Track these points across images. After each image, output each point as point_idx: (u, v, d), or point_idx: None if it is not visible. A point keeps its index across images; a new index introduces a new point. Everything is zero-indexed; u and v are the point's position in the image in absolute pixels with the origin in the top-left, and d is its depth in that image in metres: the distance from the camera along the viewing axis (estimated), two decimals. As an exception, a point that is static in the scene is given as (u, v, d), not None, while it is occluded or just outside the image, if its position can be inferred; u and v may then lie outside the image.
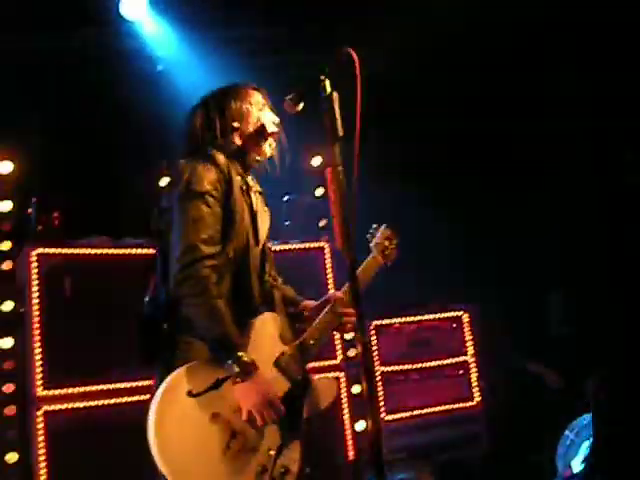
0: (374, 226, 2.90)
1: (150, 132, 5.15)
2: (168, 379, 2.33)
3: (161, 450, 2.22)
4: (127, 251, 4.15)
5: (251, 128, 2.67)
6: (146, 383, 3.89)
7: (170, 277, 2.43)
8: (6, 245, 3.81)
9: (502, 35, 5.44)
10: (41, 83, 5.15)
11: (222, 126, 2.64)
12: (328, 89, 2.34)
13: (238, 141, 2.67)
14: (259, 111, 2.71)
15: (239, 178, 2.60)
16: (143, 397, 3.86)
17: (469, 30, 5.34)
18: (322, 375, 2.69)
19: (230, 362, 2.31)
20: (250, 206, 2.60)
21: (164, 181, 4.19)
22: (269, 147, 2.72)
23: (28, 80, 5.06)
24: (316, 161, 5.16)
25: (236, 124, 2.66)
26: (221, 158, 2.56)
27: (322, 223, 5.16)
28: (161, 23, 5.50)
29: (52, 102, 5.20)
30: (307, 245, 4.77)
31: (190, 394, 2.30)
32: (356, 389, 4.54)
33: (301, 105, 2.49)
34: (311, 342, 2.56)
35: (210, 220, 2.44)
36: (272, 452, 2.39)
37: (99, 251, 4.04)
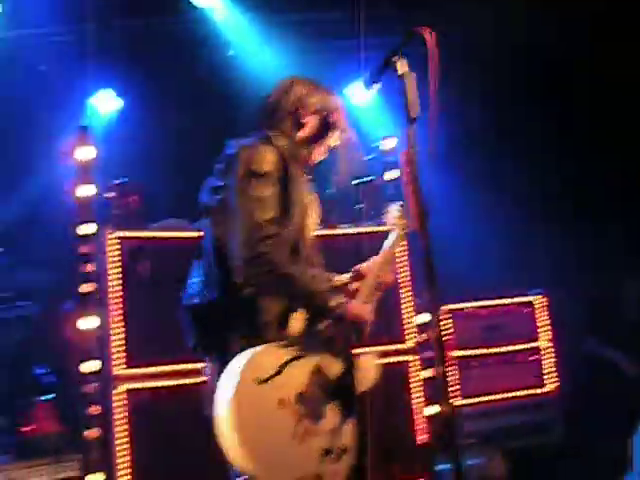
0: (386, 205, 2.89)
1: (223, 116, 5.22)
2: (235, 369, 2.30)
3: (244, 443, 2.21)
4: (203, 233, 4.20)
5: (317, 127, 2.69)
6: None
7: (229, 259, 2.43)
8: (90, 228, 3.92)
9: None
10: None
11: (297, 115, 2.66)
12: (401, 70, 2.32)
13: (302, 134, 2.68)
14: (332, 114, 2.71)
15: (296, 164, 2.60)
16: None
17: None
18: (363, 352, 2.64)
19: (332, 310, 2.45)
20: (304, 192, 2.61)
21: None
22: (333, 142, 2.73)
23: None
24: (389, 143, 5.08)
25: (307, 118, 2.68)
26: (282, 142, 2.57)
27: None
28: (231, 9, 5.57)
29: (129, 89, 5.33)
30: (379, 229, 4.74)
31: (257, 381, 2.30)
32: (427, 373, 4.51)
33: (375, 86, 2.48)
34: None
35: (272, 201, 2.44)
36: (332, 432, 2.41)
37: (176, 234, 4.11)
